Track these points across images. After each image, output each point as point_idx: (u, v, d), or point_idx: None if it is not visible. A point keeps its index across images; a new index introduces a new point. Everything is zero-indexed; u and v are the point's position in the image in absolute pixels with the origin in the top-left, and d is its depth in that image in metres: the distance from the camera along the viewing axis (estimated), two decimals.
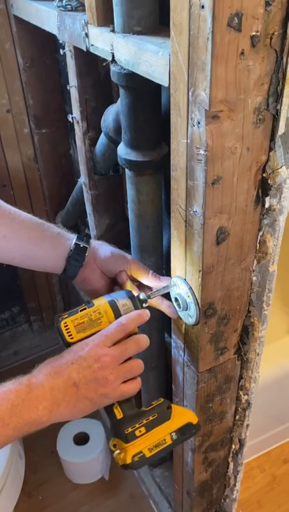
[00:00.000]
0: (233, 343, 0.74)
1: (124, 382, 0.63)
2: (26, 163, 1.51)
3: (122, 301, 0.66)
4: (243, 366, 0.78)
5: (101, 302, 0.66)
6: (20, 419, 0.57)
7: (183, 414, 0.68)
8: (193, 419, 0.68)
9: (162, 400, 0.69)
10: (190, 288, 0.65)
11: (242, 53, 0.46)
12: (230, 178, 0.55)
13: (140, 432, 0.65)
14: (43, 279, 1.76)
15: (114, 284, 0.75)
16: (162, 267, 0.94)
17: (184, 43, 0.48)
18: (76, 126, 1.05)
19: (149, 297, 0.69)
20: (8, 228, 0.70)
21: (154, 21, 0.65)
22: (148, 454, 0.65)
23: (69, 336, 0.64)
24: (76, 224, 1.59)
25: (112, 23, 0.68)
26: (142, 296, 0.68)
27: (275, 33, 0.47)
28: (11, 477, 1.37)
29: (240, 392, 0.83)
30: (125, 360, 0.64)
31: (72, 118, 1.06)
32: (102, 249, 0.75)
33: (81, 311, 0.65)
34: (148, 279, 0.75)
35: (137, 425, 0.65)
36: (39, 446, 1.52)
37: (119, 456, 0.65)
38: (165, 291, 0.71)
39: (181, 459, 0.96)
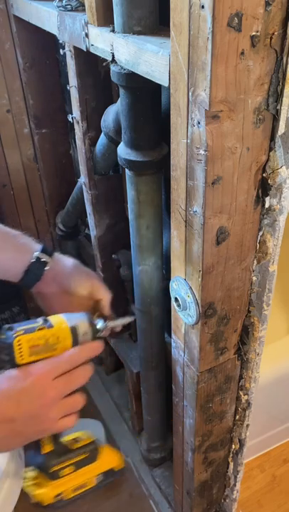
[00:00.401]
0: (233, 343, 0.74)
1: (62, 417, 0.59)
2: (26, 163, 1.51)
3: (84, 328, 0.62)
4: (243, 366, 0.78)
5: (61, 325, 0.61)
6: None
7: (109, 457, 0.65)
8: (118, 464, 0.66)
9: (92, 439, 0.66)
10: (190, 288, 0.65)
11: (242, 53, 0.46)
12: (230, 178, 0.55)
13: (66, 471, 0.61)
14: None
15: (74, 302, 0.72)
16: (162, 267, 0.94)
17: (184, 43, 0.48)
18: (76, 126, 1.05)
19: (106, 326, 0.65)
20: None
21: (154, 21, 0.65)
22: (69, 496, 0.61)
23: (20, 356, 0.57)
24: (76, 224, 1.59)
25: (112, 23, 0.68)
26: (100, 325, 0.64)
27: (275, 33, 0.47)
28: (11, 477, 1.37)
29: (240, 392, 0.83)
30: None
31: (72, 118, 1.06)
32: (65, 265, 0.72)
33: (38, 330, 0.59)
34: (104, 307, 0.73)
35: (66, 463, 0.62)
36: None
37: (38, 491, 0.60)
38: (126, 322, 0.70)
39: (181, 459, 0.96)
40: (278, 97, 0.51)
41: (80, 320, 0.62)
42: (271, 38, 0.47)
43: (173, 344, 0.79)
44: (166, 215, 0.89)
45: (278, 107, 0.52)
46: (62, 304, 0.72)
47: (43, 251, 0.72)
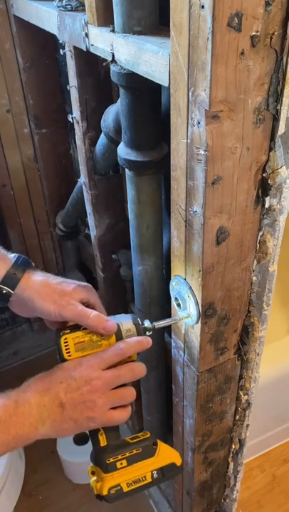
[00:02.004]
0: (233, 343, 0.74)
1: (114, 408, 0.61)
2: (26, 163, 1.52)
3: (127, 326, 0.64)
4: (243, 366, 0.78)
5: None
6: (8, 435, 0.56)
7: (168, 454, 0.66)
8: (178, 460, 0.66)
9: (149, 434, 0.66)
10: (190, 288, 0.65)
11: (242, 53, 0.46)
12: (230, 178, 0.55)
13: (121, 464, 0.63)
14: None
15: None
16: (162, 267, 0.94)
17: (184, 43, 0.48)
18: (76, 126, 1.05)
19: (154, 326, 0.66)
20: None
21: (154, 21, 0.65)
22: (126, 489, 0.62)
23: (67, 353, 0.62)
24: (76, 224, 1.59)
25: (112, 23, 0.68)
26: (147, 323, 0.66)
27: (275, 33, 0.47)
28: (11, 477, 1.37)
29: (240, 392, 0.83)
30: (118, 386, 0.61)
31: (72, 118, 1.06)
32: (30, 296, 0.65)
33: (83, 329, 0.63)
34: (87, 324, 0.64)
35: (120, 456, 0.63)
36: (39, 446, 1.51)
37: (96, 485, 0.62)
38: (172, 323, 0.70)
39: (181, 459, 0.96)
40: (278, 97, 0.51)
41: (122, 318, 0.65)
42: (271, 38, 0.47)
43: (173, 344, 0.79)
44: (166, 215, 0.89)
45: (278, 107, 0.52)
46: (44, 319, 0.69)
47: (14, 267, 0.66)
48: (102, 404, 0.60)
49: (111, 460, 0.63)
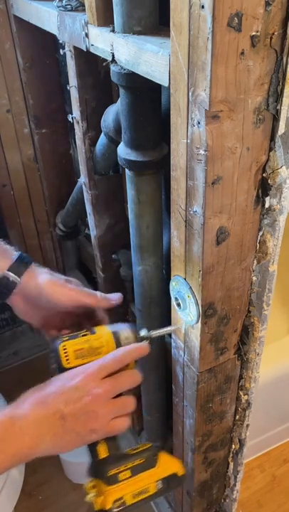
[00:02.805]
0: (233, 343, 0.74)
1: (114, 418, 0.59)
2: (26, 163, 1.51)
3: (125, 334, 0.64)
4: (243, 366, 0.78)
5: (103, 331, 0.63)
6: (6, 454, 0.53)
7: (170, 463, 0.64)
8: (180, 470, 0.64)
9: (149, 445, 0.65)
10: (190, 288, 0.65)
11: (242, 53, 0.46)
12: (230, 178, 0.55)
13: (124, 475, 0.60)
14: None
15: (55, 317, 0.69)
16: (162, 267, 0.94)
17: (184, 43, 0.48)
18: (76, 126, 1.05)
19: (150, 335, 0.66)
20: None
21: (154, 21, 0.65)
22: (129, 502, 0.59)
23: (66, 360, 0.60)
24: (76, 224, 1.59)
25: (112, 23, 0.68)
26: (144, 332, 0.66)
27: (275, 33, 0.47)
28: (10, 477, 1.37)
29: (240, 392, 0.83)
30: (117, 395, 0.60)
31: (72, 118, 1.06)
32: (37, 284, 0.66)
33: (82, 336, 0.62)
34: (98, 302, 0.67)
35: (122, 468, 0.61)
36: None
37: (97, 500, 0.59)
38: (168, 332, 0.70)
39: (181, 459, 0.96)
40: (278, 97, 0.51)
41: (121, 328, 0.65)
42: (271, 38, 0.47)
43: (173, 344, 0.79)
44: (166, 215, 0.89)
45: (278, 107, 0.52)
46: (43, 319, 0.70)
47: (19, 260, 0.67)
48: (104, 415, 0.58)
49: (113, 471, 0.60)
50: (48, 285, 0.66)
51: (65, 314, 0.68)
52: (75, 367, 0.60)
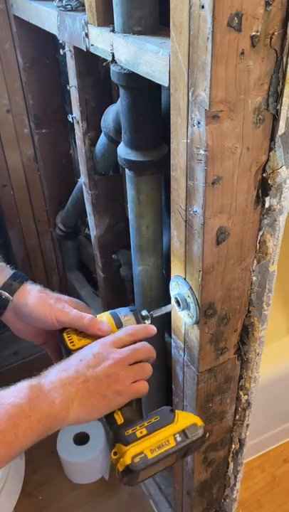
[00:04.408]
0: (233, 343, 0.74)
1: (134, 382, 0.63)
2: (26, 163, 1.52)
3: (125, 314, 0.67)
4: (243, 366, 0.78)
5: (104, 314, 0.68)
6: (42, 412, 0.55)
7: (187, 418, 0.65)
8: (198, 421, 0.64)
9: (165, 406, 0.66)
10: (190, 288, 0.65)
11: (242, 53, 0.46)
12: (230, 178, 0.55)
13: (141, 433, 0.62)
14: (43, 279, 1.76)
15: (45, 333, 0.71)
16: (162, 267, 0.94)
17: (184, 43, 0.48)
18: (76, 126, 1.05)
19: (151, 315, 0.69)
20: None
21: (154, 21, 0.65)
22: (150, 455, 0.60)
23: (71, 342, 0.64)
24: (76, 224, 1.59)
25: (112, 23, 0.68)
26: (144, 312, 0.69)
27: (275, 33, 0.47)
28: (10, 477, 1.37)
29: (240, 392, 0.83)
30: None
31: (72, 118, 1.06)
32: (27, 302, 0.68)
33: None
34: (83, 327, 0.67)
35: (138, 427, 0.62)
36: (39, 446, 1.51)
37: (119, 462, 0.60)
38: (168, 310, 0.72)
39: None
40: (278, 97, 0.51)
41: (120, 309, 0.69)
42: (271, 38, 0.47)
43: (173, 344, 0.79)
44: (166, 215, 0.89)
45: (278, 107, 0.52)
46: (37, 336, 0.72)
47: (13, 278, 0.69)
48: (125, 377, 0.61)
49: (130, 431, 0.62)
50: (37, 305, 0.68)
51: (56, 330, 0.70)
52: (81, 348, 0.64)
